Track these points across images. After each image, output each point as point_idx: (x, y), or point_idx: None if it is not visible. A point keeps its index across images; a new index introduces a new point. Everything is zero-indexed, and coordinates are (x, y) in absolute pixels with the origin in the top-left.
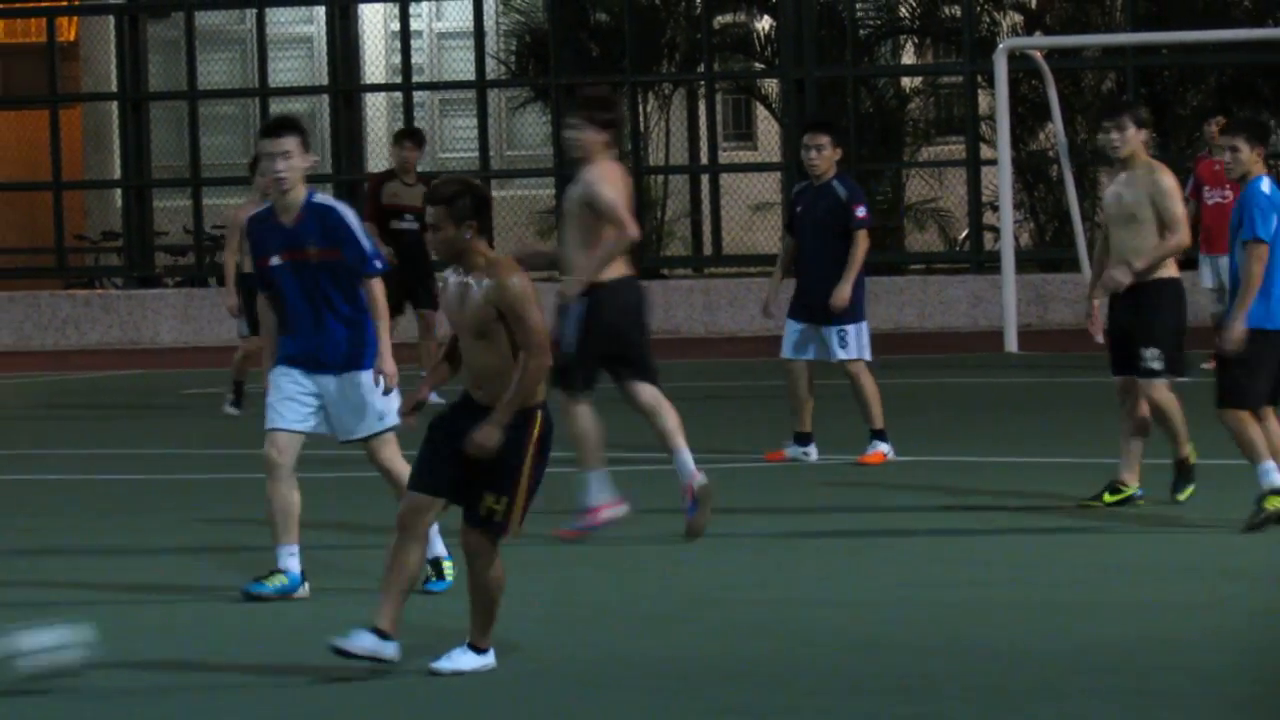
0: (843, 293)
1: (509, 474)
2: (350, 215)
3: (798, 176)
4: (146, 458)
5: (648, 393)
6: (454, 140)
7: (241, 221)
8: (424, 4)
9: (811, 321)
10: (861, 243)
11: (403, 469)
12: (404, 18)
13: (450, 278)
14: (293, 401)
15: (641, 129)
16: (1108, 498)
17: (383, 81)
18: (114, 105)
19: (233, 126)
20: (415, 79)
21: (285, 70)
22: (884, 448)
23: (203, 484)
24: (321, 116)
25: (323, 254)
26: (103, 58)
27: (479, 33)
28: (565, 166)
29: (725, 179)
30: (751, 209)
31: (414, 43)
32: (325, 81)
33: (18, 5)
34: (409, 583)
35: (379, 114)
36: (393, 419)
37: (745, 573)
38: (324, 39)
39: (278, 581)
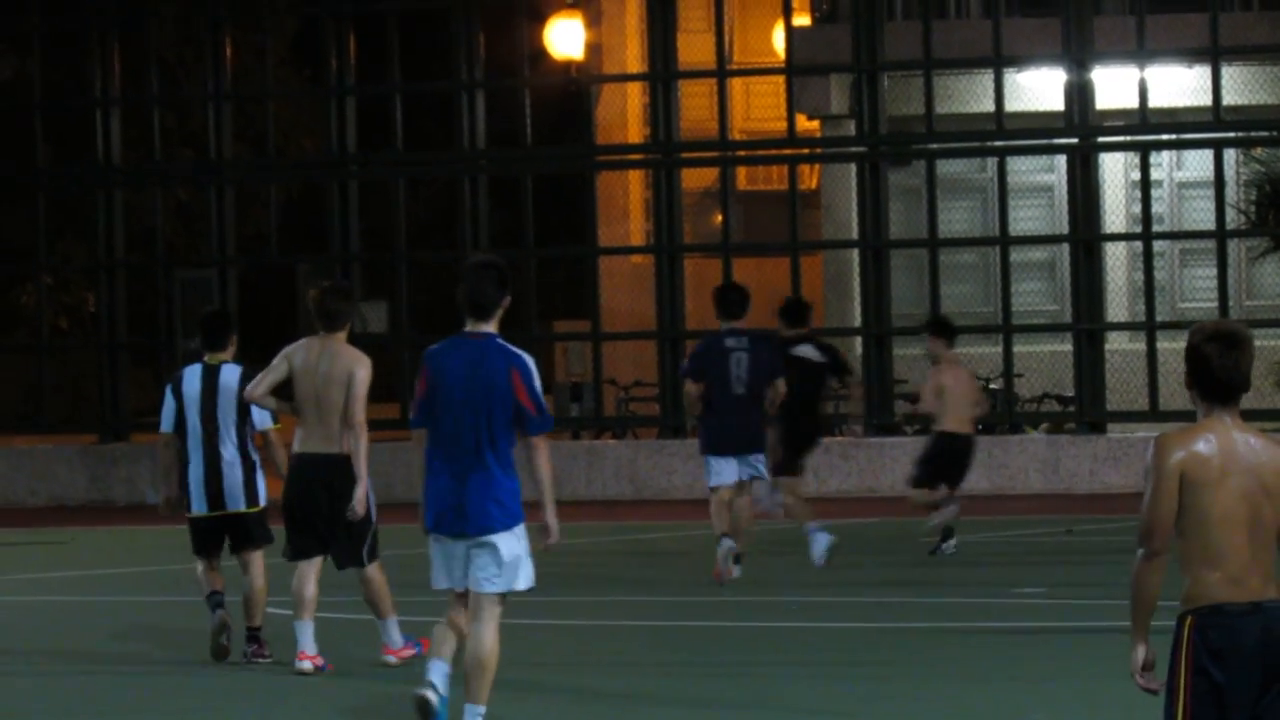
0: None
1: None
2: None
3: None
4: (880, 606)
5: None
6: (1193, 290)
7: None
8: (1164, 154)
9: None
10: None
11: None
12: (1144, 167)
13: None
14: None
15: None
16: None
17: (1122, 230)
18: (855, 253)
19: (972, 275)
20: (1155, 228)
21: (1025, 219)
22: None
23: (925, 633)
24: (1061, 265)
25: None
26: (844, 205)
27: (1219, 182)
28: None
29: None
30: None
31: (1154, 192)
32: (1065, 230)
33: (760, 154)
34: None
35: (1118, 263)
36: None
37: None
38: (1064, 187)
39: None
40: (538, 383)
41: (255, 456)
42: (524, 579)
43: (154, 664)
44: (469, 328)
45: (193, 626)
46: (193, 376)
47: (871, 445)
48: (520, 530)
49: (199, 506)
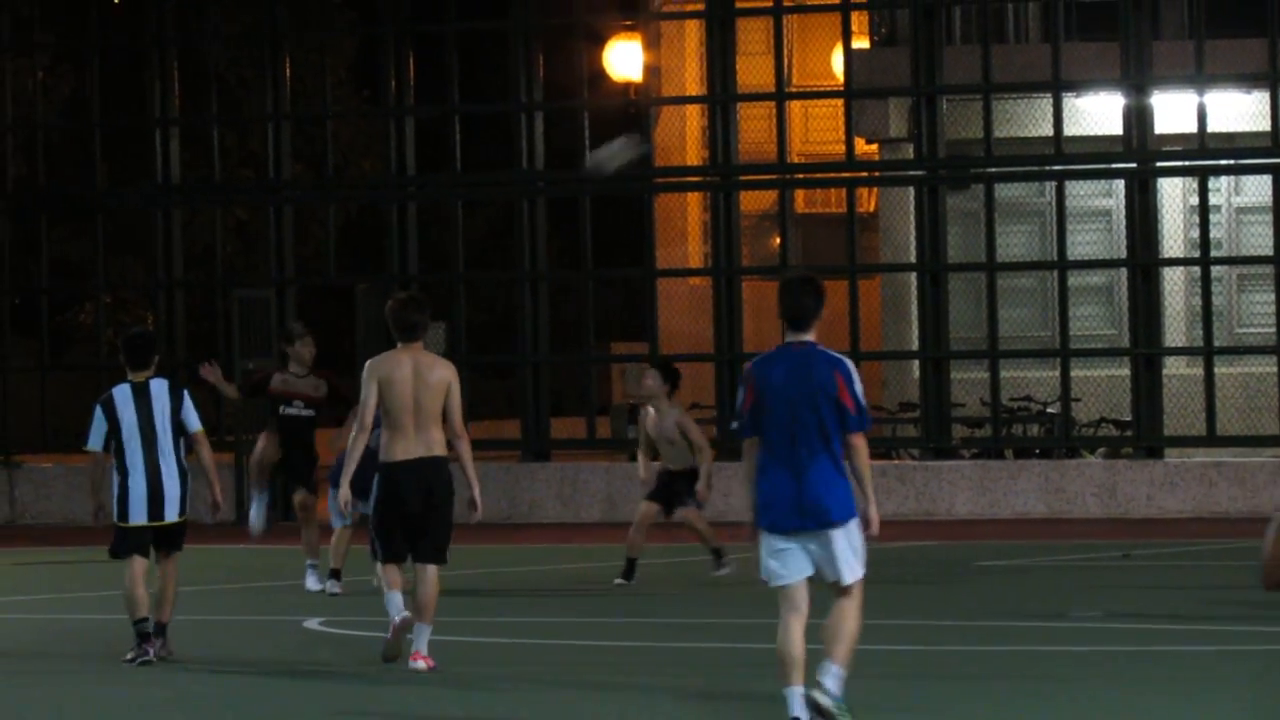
0: None
1: None
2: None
3: None
4: (936, 629)
5: None
6: (1251, 315)
7: None
8: (1223, 179)
9: None
10: None
11: None
12: (1203, 192)
13: None
14: None
15: None
16: None
17: (1180, 255)
18: (912, 276)
19: (1030, 299)
20: (1213, 253)
21: (1083, 243)
22: None
23: (982, 656)
24: (1119, 289)
25: None
26: (902, 228)
27: (1278, 207)
28: None
29: None
30: None
31: (1212, 217)
32: (1123, 254)
33: (818, 176)
34: None
35: (1176, 288)
36: None
37: None
38: (1123, 212)
39: None
40: (859, 385)
41: (187, 467)
42: (861, 566)
43: (201, 677)
44: (789, 338)
45: (243, 644)
46: (124, 396)
47: (929, 469)
48: (856, 523)
49: (139, 517)
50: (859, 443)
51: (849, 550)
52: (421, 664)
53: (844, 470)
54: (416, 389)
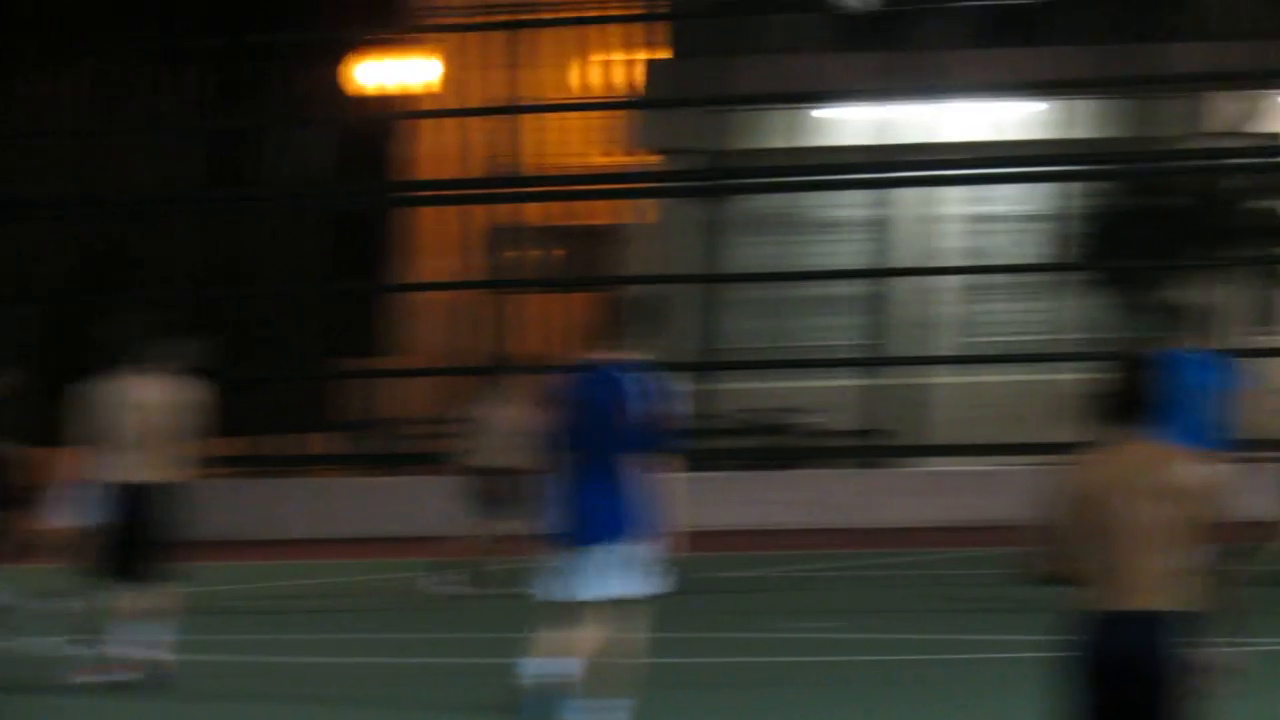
0: None
1: None
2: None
3: None
4: (668, 640)
5: None
6: (1010, 324)
7: None
8: (985, 188)
9: None
10: None
11: None
12: (959, 202)
13: None
14: None
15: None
16: None
17: (929, 265)
18: (670, 286)
19: (781, 309)
20: (972, 263)
21: (833, 253)
22: None
23: (708, 667)
24: (874, 299)
25: None
26: (658, 239)
27: (1037, 217)
28: None
29: None
30: None
31: (972, 226)
32: (877, 264)
33: (573, 188)
34: None
35: (934, 297)
36: None
37: None
38: (877, 221)
39: None
40: (663, 405)
41: None
42: (649, 583)
43: None
44: (598, 355)
45: None
46: None
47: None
48: (646, 541)
49: None
50: (655, 462)
51: (637, 567)
52: (121, 674)
53: (640, 488)
54: (144, 412)
